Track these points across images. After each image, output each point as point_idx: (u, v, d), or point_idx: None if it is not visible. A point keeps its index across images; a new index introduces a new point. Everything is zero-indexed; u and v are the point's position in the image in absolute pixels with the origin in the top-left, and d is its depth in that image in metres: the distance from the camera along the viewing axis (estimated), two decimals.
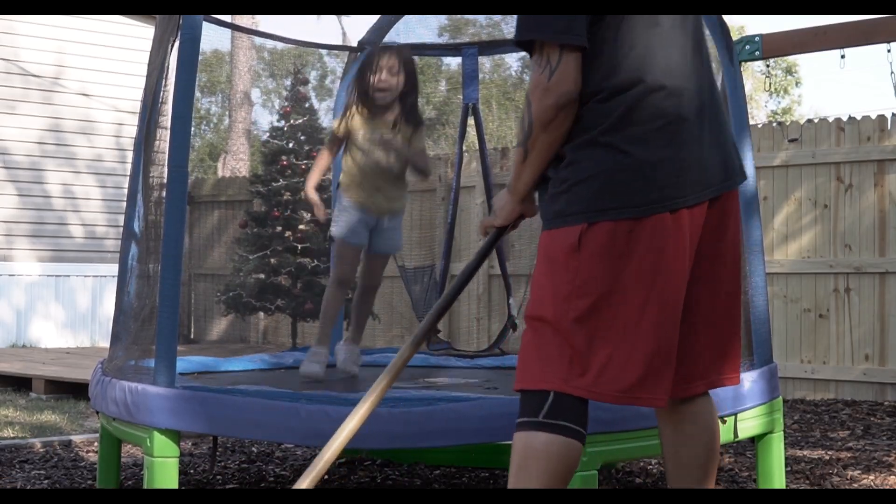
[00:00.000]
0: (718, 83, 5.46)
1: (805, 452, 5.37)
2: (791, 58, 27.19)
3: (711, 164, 2.47)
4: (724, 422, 3.68)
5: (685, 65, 2.48)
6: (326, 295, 4.63)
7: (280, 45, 28.45)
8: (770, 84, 19.43)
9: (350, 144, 4.54)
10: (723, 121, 2.56)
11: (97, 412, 4.08)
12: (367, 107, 4.49)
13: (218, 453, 5.18)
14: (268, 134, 10.59)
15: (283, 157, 10.08)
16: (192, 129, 3.82)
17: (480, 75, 5.24)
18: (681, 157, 2.41)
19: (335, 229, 4.54)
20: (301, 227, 9.96)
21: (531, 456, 2.38)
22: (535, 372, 2.42)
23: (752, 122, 14.04)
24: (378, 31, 5.09)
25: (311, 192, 4.60)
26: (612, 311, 2.38)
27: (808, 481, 4.61)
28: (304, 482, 2.61)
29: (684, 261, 2.42)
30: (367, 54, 4.67)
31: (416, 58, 4.65)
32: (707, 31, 4.23)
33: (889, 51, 5.73)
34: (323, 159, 4.64)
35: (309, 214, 9.98)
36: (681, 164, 2.40)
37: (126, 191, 4.28)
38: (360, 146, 4.50)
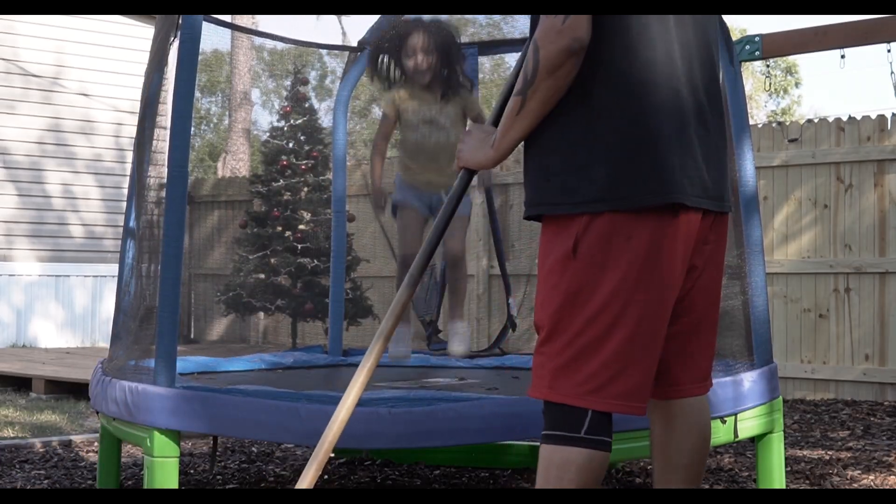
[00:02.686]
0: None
1: (805, 452, 5.37)
2: (791, 58, 27.19)
3: (711, 177, 2.43)
4: (724, 422, 3.69)
5: (702, 71, 2.45)
6: (397, 276, 4.63)
7: (280, 45, 28.45)
8: (770, 84, 19.43)
9: (401, 126, 4.56)
10: (725, 142, 2.52)
11: (97, 412, 4.07)
12: (408, 90, 4.50)
13: (218, 453, 5.18)
14: (268, 134, 10.60)
15: (283, 157, 10.08)
16: (192, 129, 3.82)
17: (480, 75, 5.24)
18: (685, 158, 2.37)
19: (393, 197, 4.57)
20: (301, 227, 9.96)
21: (571, 470, 2.32)
22: (566, 385, 2.34)
23: (752, 122, 14.05)
24: (378, 31, 5.09)
25: (377, 181, 4.59)
26: (620, 312, 2.32)
27: (808, 481, 4.61)
28: (310, 473, 2.59)
29: (682, 263, 2.40)
30: (391, 37, 4.59)
31: (446, 24, 4.59)
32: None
33: (889, 51, 5.73)
34: (380, 146, 4.62)
35: (308, 214, 9.98)
36: (685, 164, 2.37)
37: (126, 190, 4.28)
38: (408, 126, 4.52)
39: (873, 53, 6.29)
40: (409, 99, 4.52)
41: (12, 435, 5.86)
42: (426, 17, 4.68)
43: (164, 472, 3.53)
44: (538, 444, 4.45)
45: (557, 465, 2.33)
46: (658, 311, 2.36)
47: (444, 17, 4.60)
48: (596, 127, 2.33)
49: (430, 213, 4.55)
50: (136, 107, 4.58)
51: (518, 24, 5.50)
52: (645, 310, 2.33)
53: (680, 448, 2.59)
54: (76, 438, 5.67)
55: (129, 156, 10.14)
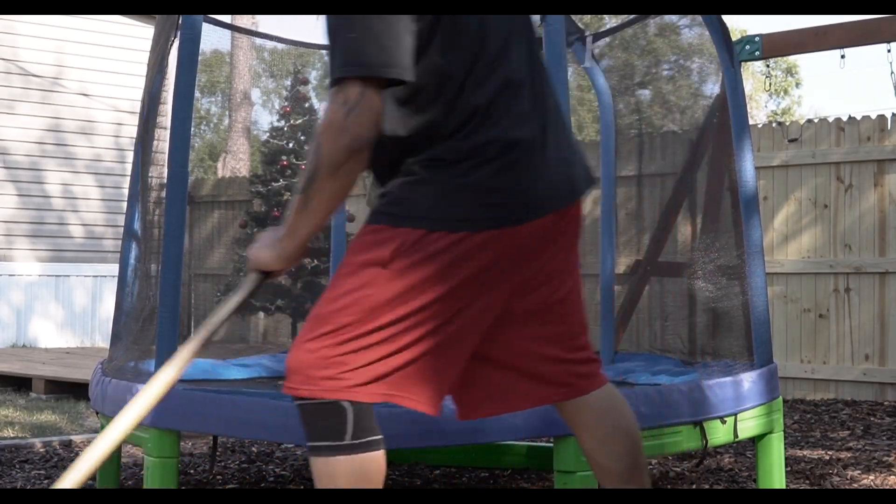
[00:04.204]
0: (718, 86, 5.47)
1: (805, 452, 5.37)
2: (791, 58, 27.19)
3: (555, 182, 2.30)
4: (724, 422, 3.69)
5: (527, 88, 2.31)
6: None
7: (280, 45, 28.45)
8: (770, 84, 19.43)
9: None
10: (565, 133, 2.38)
11: (97, 412, 4.07)
12: None
13: (218, 453, 5.18)
14: (268, 134, 10.60)
15: (283, 157, 10.09)
16: (192, 129, 3.82)
17: None
18: (521, 183, 2.24)
19: None
20: None
21: (341, 482, 2.17)
22: (322, 379, 2.21)
23: (752, 122, 14.04)
24: None
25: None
26: (426, 322, 2.20)
27: (808, 481, 4.61)
28: (70, 477, 2.25)
29: (511, 276, 2.28)
30: None
31: None
32: (709, 33, 4.24)
33: (889, 51, 5.73)
34: None
35: None
36: (519, 189, 2.24)
37: (126, 190, 4.28)
38: None
39: (873, 53, 6.29)
40: None
41: (12, 435, 5.86)
42: None
43: (164, 472, 3.53)
44: (538, 444, 4.46)
45: (327, 477, 2.18)
46: (465, 325, 2.25)
47: None
48: (427, 164, 2.22)
49: None
50: (137, 107, 4.59)
51: None
52: (447, 323, 2.22)
53: (612, 454, 2.45)
54: (76, 438, 5.67)
55: (130, 156, 10.15)
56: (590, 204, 8.34)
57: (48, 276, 11.15)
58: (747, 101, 4.70)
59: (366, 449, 2.17)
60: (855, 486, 4.55)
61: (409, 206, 2.20)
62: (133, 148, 4.29)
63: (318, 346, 2.21)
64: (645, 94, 7.54)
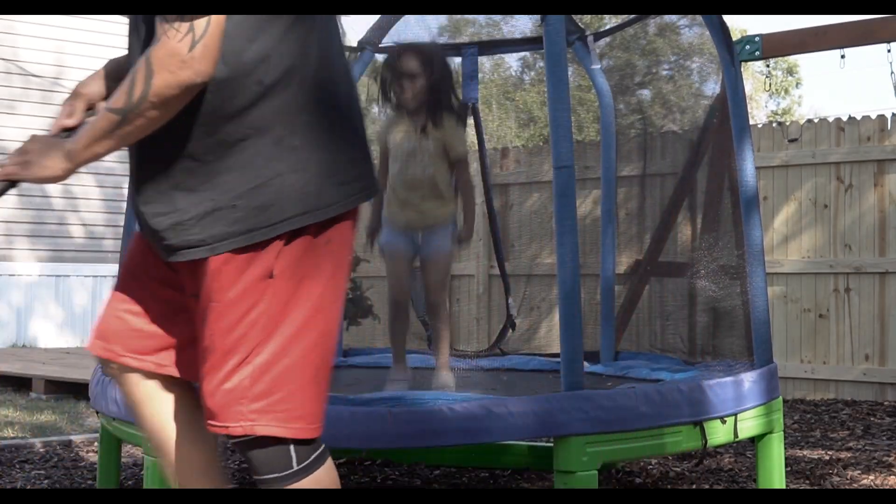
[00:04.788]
0: (718, 86, 5.46)
1: (805, 452, 5.37)
2: (791, 58, 27.20)
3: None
4: (724, 422, 3.69)
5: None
6: (389, 315, 4.37)
7: None
8: (770, 84, 19.44)
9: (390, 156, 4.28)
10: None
11: (97, 412, 4.08)
12: (395, 119, 4.25)
13: (218, 453, 5.17)
14: None
15: None
16: None
17: (480, 75, 5.23)
18: (369, 155, 2.15)
19: (381, 237, 4.29)
20: None
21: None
22: (267, 415, 2.05)
23: (752, 122, 14.04)
24: (378, 31, 5.09)
25: (373, 216, 4.31)
26: (322, 329, 2.08)
27: (808, 481, 4.61)
28: None
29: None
30: (385, 59, 4.36)
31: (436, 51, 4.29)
32: (709, 33, 4.24)
33: (889, 51, 5.74)
34: (379, 175, 4.29)
35: None
36: (369, 158, 2.14)
37: (126, 190, 4.27)
38: (393, 157, 4.25)
39: (873, 53, 6.29)
40: (395, 130, 4.26)
41: (12, 435, 5.86)
42: (422, 40, 4.50)
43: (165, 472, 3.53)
44: (538, 444, 4.46)
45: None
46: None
47: (439, 42, 4.42)
48: (269, 147, 2.02)
49: (414, 251, 4.26)
50: None
51: (518, 24, 5.50)
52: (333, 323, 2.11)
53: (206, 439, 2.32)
54: (76, 438, 5.67)
55: None
56: (590, 204, 8.34)
57: (48, 276, 11.15)
58: (747, 101, 4.70)
59: (315, 467, 2.09)
60: (855, 486, 4.55)
61: (277, 210, 2.01)
62: None
63: (236, 379, 2.04)
64: (645, 94, 7.53)
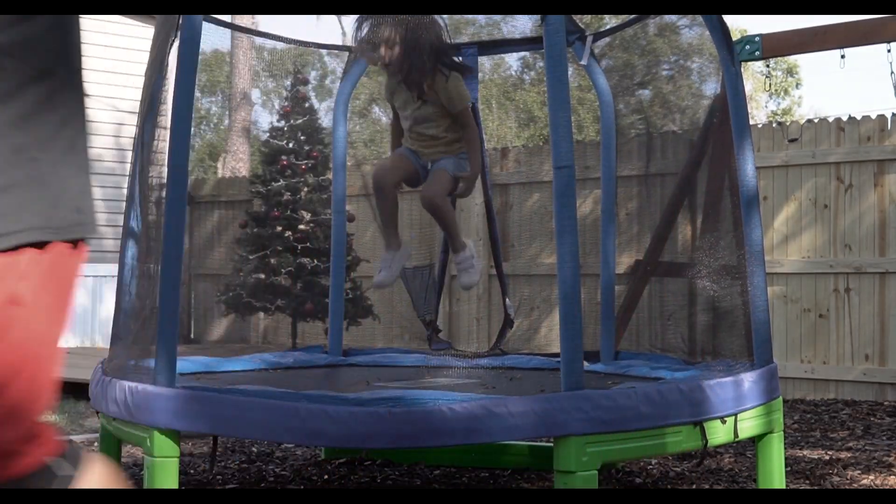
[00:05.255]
0: (718, 86, 5.46)
1: (805, 452, 5.37)
2: (791, 58, 27.20)
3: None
4: (724, 422, 3.69)
5: None
6: (375, 202, 4.74)
7: (280, 45, 28.46)
8: (770, 85, 19.44)
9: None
10: None
11: (97, 412, 4.08)
12: (394, 83, 4.50)
13: (218, 453, 5.18)
14: (268, 134, 10.59)
15: (283, 157, 10.08)
16: (192, 129, 3.82)
17: (480, 75, 5.23)
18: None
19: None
20: (301, 227, 9.96)
21: None
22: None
23: (752, 122, 14.04)
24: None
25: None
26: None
27: (808, 481, 4.61)
28: None
29: None
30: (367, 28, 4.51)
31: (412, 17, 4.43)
32: (709, 33, 4.24)
33: (889, 51, 5.74)
34: (393, 144, 4.69)
35: (308, 214, 9.99)
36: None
37: (126, 190, 4.28)
38: (401, 118, 4.58)
39: (873, 53, 6.29)
40: (396, 94, 4.54)
41: None
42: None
43: (164, 472, 3.53)
44: (538, 444, 4.46)
45: None
46: None
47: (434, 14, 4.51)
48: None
49: (422, 171, 4.58)
50: (137, 107, 4.58)
51: (518, 24, 5.50)
52: None
53: None
54: (76, 438, 5.66)
55: (130, 156, 10.14)
56: (590, 204, 8.34)
57: None
58: (747, 101, 4.69)
59: None
60: (855, 486, 4.55)
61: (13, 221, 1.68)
62: (132, 148, 4.28)
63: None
64: (645, 93, 7.53)
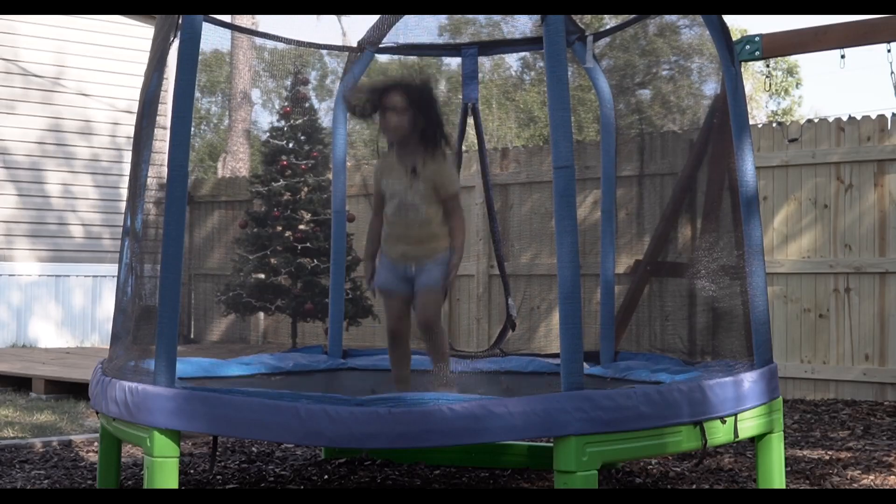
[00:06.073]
0: (718, 86, 5.46)
1: (805, 452, 5.37)
2: (791, 58, 27.20)
3: None
4: (724, 422, 3.69)
5: None
6: (389, 349, 4.45)
7: (280, 45, 28.41)
8: (770, 85, 19.42)
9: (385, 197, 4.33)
10: None
11: (97, 412, 4.07)
12: (388, 161, 4.27)
13: (218, 453, 5.18)
14: (268, 134, 10.59)
15: (283, 157, 10.08)
16: (192, 129, 3.81)
17: (480, 75, 5.23)
18: None
19: (375, 280, 4.36)
20: (301, 227, 9.96)
21: None
22: None
23: (752, 122, 14.05)
24: (378, 31, 5.09)
25: (366, 260, 4.38)
26: None
27: (808, 481, 4.61)
28: None
29: None
30: (373, 88, 4.32)
31: (428, 82, 4.30)
32: (709, 33, 4.24)
33: (889, 51, 5.74)
34: (373, 223, 4.39)
35: (308, 214, 9.99)
36: None
37: (125, 190, 4.28)
38: (388, 198, 4.28)
39: (873, 53, 6.29)
40: (388, 171, 4.28)
41: (12, 435, 5.86)
42: (407, 75, 4.44)
43: (164, 472, 3.53)
44: (538, 444, 4.46)
45: None
46: None
47: (424, 77, 4.36)
48: None
49: (410, 288, 4.27)
50: (134, 106, 4.58)
51: (518, 24, 5.49)
52: None
53: None
54: (76, 438, 5.67)
55: (128, 156, 10.15)
56: (590, 204, 8.34)
57: (48, 276, 11.14)
58: (747, 101, 4.69)
59: None
60: (855, 486, 4.55)
61: None
62: (132, 148, 4.28)
63: None
64: (645, 94, 7.53)
